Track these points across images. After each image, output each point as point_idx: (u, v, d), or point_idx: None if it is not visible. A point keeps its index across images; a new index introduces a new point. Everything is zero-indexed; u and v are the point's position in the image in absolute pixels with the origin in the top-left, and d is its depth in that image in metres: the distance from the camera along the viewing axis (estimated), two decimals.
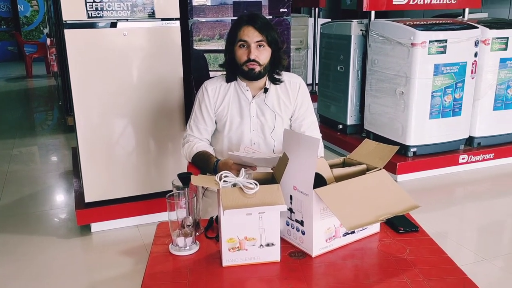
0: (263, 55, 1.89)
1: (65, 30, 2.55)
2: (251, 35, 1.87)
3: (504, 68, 3.84)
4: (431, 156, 3.78)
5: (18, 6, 10.97)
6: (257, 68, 1.89)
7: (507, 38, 3.77)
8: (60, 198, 3.58)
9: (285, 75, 2.01)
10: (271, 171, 1.46)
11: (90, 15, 2.55)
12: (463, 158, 3.86)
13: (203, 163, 1.92)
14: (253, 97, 1.98)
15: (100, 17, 2.58)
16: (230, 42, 1.94)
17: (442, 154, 3.82)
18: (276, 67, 1.97)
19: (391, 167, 3.63)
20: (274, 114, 1.98)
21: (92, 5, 2.54)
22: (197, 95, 2.05)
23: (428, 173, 3.79)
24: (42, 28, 11.10)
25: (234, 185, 1.33)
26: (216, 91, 1.99)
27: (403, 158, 3.73)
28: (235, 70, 1.96)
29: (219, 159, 1.88)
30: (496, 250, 2.72)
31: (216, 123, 2.04)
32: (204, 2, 2.91)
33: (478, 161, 3.93)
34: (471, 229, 3.09)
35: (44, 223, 3.13)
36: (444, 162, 3.83)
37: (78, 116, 2.71)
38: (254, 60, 1.87)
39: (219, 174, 1.34)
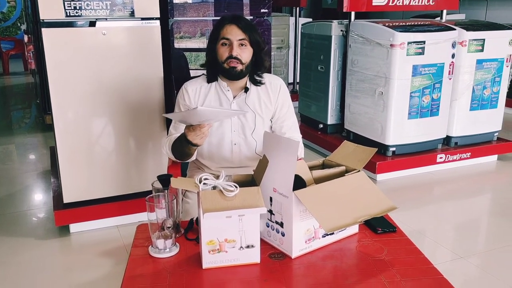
0: (245, 53, 1.89)
1: (43, 29, 2.51)
2: (234, 33, 1.87)
3: (480, 69, 3.91)
4: (410, 156, 3.84)
5: None
6: (239, 67, 1.89)
7: (484, 39, 3.84)
8: (38, 198, 3.53)
9: (266, 77, 2.02)
10: (251, 173, 1.47)
11: (68, 14, 2.52)
12: (440, 158, 3.93)
13: (178, 144, 1.86)
14: (234, 97, 1.98)
15: (78, 16, 2.54)
16: (212, 41, 1.94)
17: (420, 153, 3.88)
18: (258, 69, 1.97)
19: (370, 166, 3.68)
20: (255, 114, 1.98)
21: (70, 3, 2.50)
22: (177, 96, 2.03)
23: (407, 172, 3.85)
24: (19, 25, 10.89)
25: (214, 187, 1.33)
26: (196, 92, 1.98)
27: (382, 157, 3.77)
28: (216, 69, 1.96)
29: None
30: (472, 248, 2.78)
31: None
32: (185, 0, 2.90)
33: (455, 160, 4.00)
34: (448, 227, 3.14)
35: (21, 224, 3.08)
36: (422, 161, 3.89)
37: (56, 116, 2.67)
38: (236, 58, 1.87)
39: (199, 177, 1.34)
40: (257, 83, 1.98)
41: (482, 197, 3.62)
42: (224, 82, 1.97)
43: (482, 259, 2.66)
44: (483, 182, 3.87)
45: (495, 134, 4.21)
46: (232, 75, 1.91)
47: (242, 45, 1.89)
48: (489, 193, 3.72)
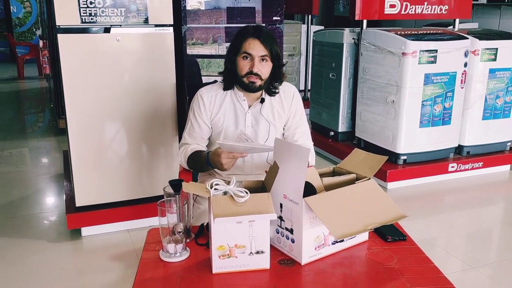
0: (265, 69, 1.89)
1: (59, 35, 2.55)
2: (256, 48, 1.86)
3: (493, 78, 3.89)
4: (421, 164, 3.82)
5: (11, 7, 10.92)
6: (258, 82, 1.89)
7: (496, 49, 3.83)
8: (51, 202, 3.57)
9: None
10: (262, 179, 1.48)
11: (83, 20, 2.56)
12: (452, 167, 3.91)
13: (197, 161, 1.90)
14: (249, 107, 1.99)
15: (93, 22, 2.58)
16: (233, 52, 1.92)
17: (432, 162, 3.86)
18: (275, 81, 1.97)
19: (381, 175, 3.67)
20: (269, 124, 1.99)
21: (85, 10, 2.55)
22: (192, 103, 2.03)
23: (418, 181, 3.83)
24: (34, 30, 11.05)
25: (225, 193, 1.34)
26: (212, 100, 1.98)
27: (393, 165, 3.76)
28: (235, 80, 1.96)
29: (210, 150, 1.85)
30: (484, 258, 2.75)
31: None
32: (197, 7, 2.93)
33: (467, 169, 3.97)
34: (459, 237, 3.12)
35: (33, 227, 3.12)
36: (434, 170, 3.87)
37: (70, 120, 2.71)
38: (256, 74, 1.88)
39: (210, 182, 1.36)
40: (272, 94, 1.99)
41: (494, 207, 3.59)
42: (240, 92, 1.97)
43: (494, 269, 2.63)
44: (495, 192, 3.83)
45: (507, 144, 4.17)
46: (250, 90, 1.92)
47: (263, 60, 1.88)
48: (501, 203, 3.68)
